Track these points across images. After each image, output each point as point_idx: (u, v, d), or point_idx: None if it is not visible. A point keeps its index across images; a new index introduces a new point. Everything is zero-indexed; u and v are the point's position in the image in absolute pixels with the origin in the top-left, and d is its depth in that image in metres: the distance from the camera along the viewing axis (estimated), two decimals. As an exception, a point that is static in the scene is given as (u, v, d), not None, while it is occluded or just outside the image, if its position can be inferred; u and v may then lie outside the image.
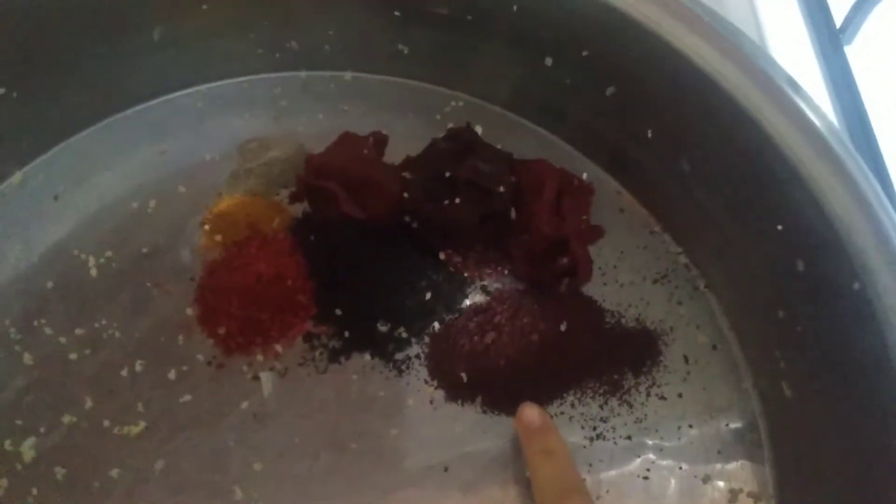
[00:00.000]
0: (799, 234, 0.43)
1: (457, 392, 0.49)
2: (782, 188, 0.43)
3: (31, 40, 0.50)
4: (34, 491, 0.45)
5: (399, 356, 0.50)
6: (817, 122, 0.42)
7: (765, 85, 0.43)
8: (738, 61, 0.44)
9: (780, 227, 0.43)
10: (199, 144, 0.57)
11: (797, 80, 0.44)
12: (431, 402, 0.49)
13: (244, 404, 0.48)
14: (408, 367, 0.50)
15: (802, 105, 0.43)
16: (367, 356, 0.50)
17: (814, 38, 0.54)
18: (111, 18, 0.52)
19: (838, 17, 0.54)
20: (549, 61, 0.52)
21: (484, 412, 0.49)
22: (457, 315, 0.51)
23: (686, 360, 0.51)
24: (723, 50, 0.44)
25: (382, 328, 0.50)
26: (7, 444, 0.46)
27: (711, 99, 0.45)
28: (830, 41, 0.53)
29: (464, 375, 0.49)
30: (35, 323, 0.50)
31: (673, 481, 0.47)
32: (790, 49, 0.53)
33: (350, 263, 0.51)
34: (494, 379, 0.49)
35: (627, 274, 0.53)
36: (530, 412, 0.45)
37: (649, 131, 0.50)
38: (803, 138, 0.42)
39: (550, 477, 0.42)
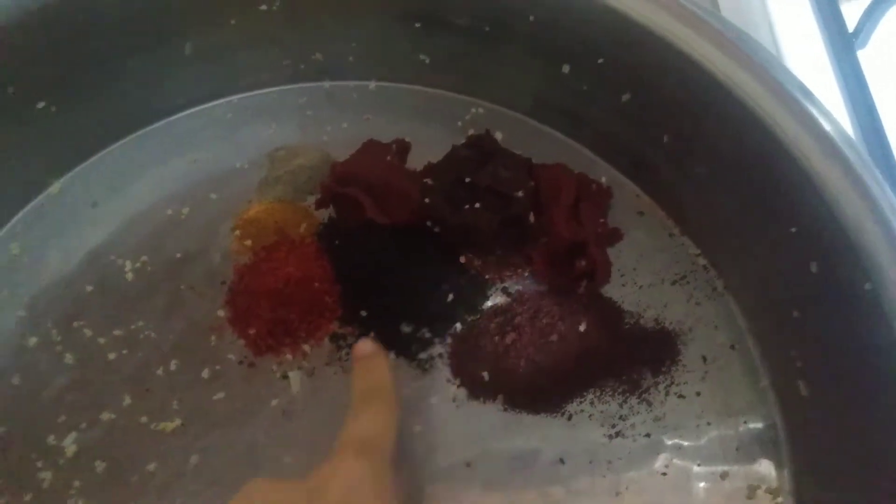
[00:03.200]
0: (812, 237, 0.43)
1: (479, 391, 0.50)
2: (795, 193, 0.43)
3: (70, 56, 0.52)
4: (76, 483, 0.47)
5: (422, 356, 0.51)
6: (828, 129, 0.43)
7: (777, 92, 0.44)
8: (750, 69, 0.45)
9: (793, 230, 0.44)
10: (229, 153, 0.58)
11: (810, 86, 0.44)
12: (454, 400, 0.50)
13: (274, 402, 0.49)
14: (431, 367, 0.51)
15: (814, 111, 0.43)
16: (392, 356, 0.51)
17: (827, 43, 0.54)
18: (145, 34, 0.54)
19: (851, 22, 0.54)
20: (566, 69, 0.53)
21: (505, 410, 0.50)
22: (478, 316, 0.52)
23: (704, 359, 0.51)
24: (735, 58, 0.45)
25: (406, 329, 0.51)
26: (50, 440, 0.48)
27: (725, 106, 0.45)
28: (843, 46, 0.53)
29: (485, 374, 0.50)
30: (75, 324, 0.52)
31: (691, 478, 0.48)
32: (803, 54, 0.54)
33: (374, 267, 0.52)
34: (515, 378, 0.50)
35: (646, 276, 0.54)
36: (362, 345, 0.46)
37: (665, 136, 0.51)
38: (815, 144, 0.42)
39: (364, 386, 0.43)
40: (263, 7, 0.54)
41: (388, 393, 0.43)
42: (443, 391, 0.50)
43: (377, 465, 0.37)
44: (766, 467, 0.48)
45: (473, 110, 0.60)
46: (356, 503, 0.35)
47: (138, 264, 0.54)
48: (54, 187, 0.57)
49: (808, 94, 0.44)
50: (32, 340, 0.52)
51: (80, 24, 0.51)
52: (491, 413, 0.50)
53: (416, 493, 0.47)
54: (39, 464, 0.48)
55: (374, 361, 0.45)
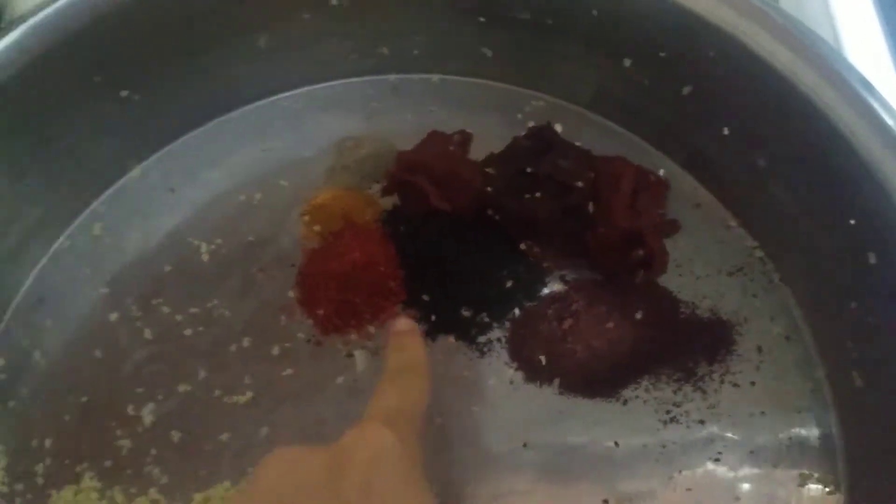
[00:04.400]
0: (871, 229, 0.44)
1: (535, 374, 0.51)
2: (855, 184, 0.44)
3: (152, 47, 0.54)
4: (153, 451, 0.50)
5: (481, 339, 0.52)
6: (889, 121, 0.43)
7: (839, 85, 0.44)
8: (812, 62, 0.45)
9: (852, 222, 0.44)
10: (299, 143, 0.60)
11: (871, 81, 0.45)
12: (511, 382, 0.51)
13: (340, 379, 0.51)
14: (489, 350, 0.52)
15: (875, 105, 0.43)
16: (452, 339, 0.52)
17: (888, 38, 0.54)
18: (222, 27, 0.56)
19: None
20: (627, 63, 0.53)
21: (561, 394, 0.51)
22: (536, 302, 0.53)
23: (759, 350, 0.52)
24: (798, 51, 0.45)
25: (466, 313, 0.53)
26: (129, 410, 0.51)
27: (787, 98, 0.46)
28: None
29: (542, 358, 0.51)
30: (154, 302, 0.54)
31: (744, 465, 0.48)
32: (865, 50, 0.54)
33: (437, 253, 0.54)
34: (572, 362, 0.51)
35: (703, 267, 0.54)
36: (400, 322, 0.47)
37: (726, 129, 0.51)
38: (876, 137, 0.43)
39: (397, 360, 0.44)
40: (335, 2, 0.56)
41: (421, 367, 0.44)
42: (500, 374, 0.51)
43: (405, 434, 0.37)
44: (818, 457, 0.48)
45: (534, 103, 0.61)
46: (382, 469, 0.35)
47: (213, 246, 0.56)
48: (135, 172, 0.59)
49: (869, 88, 0.44)
50: (114, 316, 0.54)
51: (162, 17, 0.53)
52: (547, 396, 0.51)
53: (471, 473, 0.48)
54: (119, 432, 0.50)
55: (409, 337, 0.46)
